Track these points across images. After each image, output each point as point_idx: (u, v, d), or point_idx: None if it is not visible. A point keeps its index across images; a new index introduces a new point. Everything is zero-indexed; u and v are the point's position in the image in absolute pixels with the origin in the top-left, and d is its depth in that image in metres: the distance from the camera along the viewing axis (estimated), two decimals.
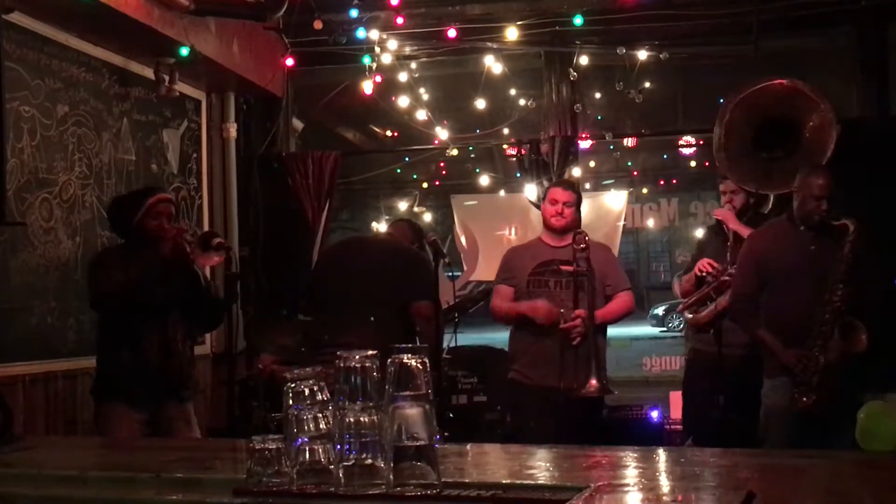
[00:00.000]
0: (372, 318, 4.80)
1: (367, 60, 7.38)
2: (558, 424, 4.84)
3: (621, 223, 10.01)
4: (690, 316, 5.40)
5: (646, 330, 20.61)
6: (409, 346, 2.06)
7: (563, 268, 5.02)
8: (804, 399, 4.47)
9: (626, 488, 2.17)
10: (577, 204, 5.25)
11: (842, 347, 4.43)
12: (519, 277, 5.19)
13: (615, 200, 10.20)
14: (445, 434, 4.68)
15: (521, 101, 8.47)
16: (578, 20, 7.17)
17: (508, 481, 2.20)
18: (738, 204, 5.48)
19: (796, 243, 4.60)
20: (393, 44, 7.40)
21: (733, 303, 4.86)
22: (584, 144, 7.77)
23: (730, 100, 5.75)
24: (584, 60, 7.38)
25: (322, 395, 2.16)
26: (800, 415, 4.44)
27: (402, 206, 13.26)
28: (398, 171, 11.01)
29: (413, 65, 7.75)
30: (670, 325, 21.31)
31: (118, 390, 4.50)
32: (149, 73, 6.41)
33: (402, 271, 5.00)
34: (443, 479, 2.06)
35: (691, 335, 5.65)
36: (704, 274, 5.26)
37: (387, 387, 2.04)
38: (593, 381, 4.84)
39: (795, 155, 5.57)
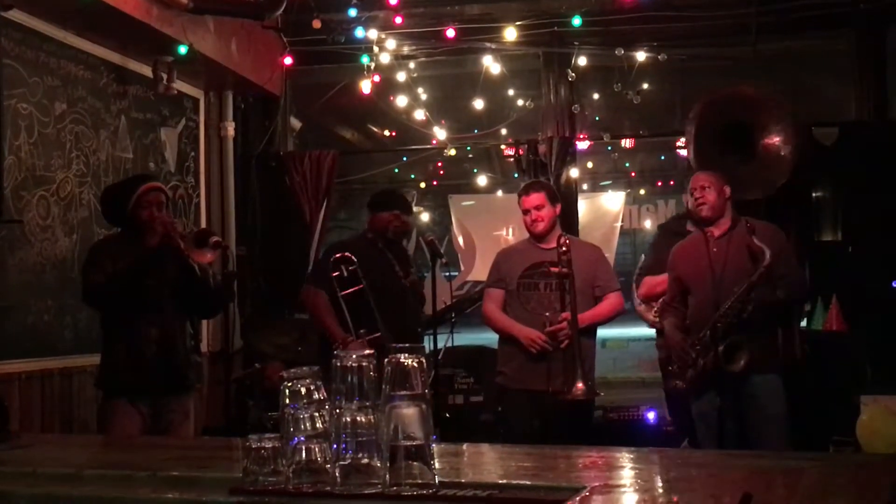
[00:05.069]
0: None
1: (365, 60, 7.38)
2: (547, 427, 4.85)
3: (619, 224, 10.04)
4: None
5: (643, 331, 20.53)
6: (407, 345, 2.07)
7: (552, 269, 5.02)
8: (676, 383, 4.90)
9: (622, 489, 2.17)
10: (552, 199, 5.19)
11: (718, 362, 4.64)
12: (509, 280, 5.20)
13: (613, 201, 10.23)
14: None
15: (520, 102, 8.46)
16: (577, 21, 7.19)
17: (504, 481, 2.20)
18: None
19: (703, 250, 4.86)
20: (391, 43, 7.40)
21: (660, 307, 5.30)
22: (582, 145, 7.76)
23: (702, 99, 5.86)
24: (582, 61, 7.39)
25: (319, 394, 2.16)
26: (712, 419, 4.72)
27: None
28: (396, 170, 11.00)
29: (411, 64, 7.75)
30: None
31: (120, 384, 4.51)
32: (147, 71, 6.40)
33: None
34: (439, 479, 2.06)
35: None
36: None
37: (383, 386, 2.04)
38: (579, 385, 4.82)
39: (751, 163, 5.64)
